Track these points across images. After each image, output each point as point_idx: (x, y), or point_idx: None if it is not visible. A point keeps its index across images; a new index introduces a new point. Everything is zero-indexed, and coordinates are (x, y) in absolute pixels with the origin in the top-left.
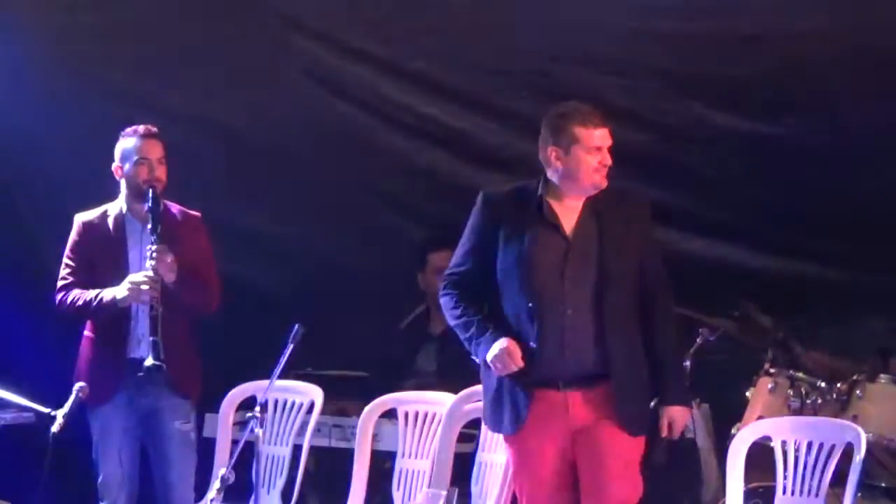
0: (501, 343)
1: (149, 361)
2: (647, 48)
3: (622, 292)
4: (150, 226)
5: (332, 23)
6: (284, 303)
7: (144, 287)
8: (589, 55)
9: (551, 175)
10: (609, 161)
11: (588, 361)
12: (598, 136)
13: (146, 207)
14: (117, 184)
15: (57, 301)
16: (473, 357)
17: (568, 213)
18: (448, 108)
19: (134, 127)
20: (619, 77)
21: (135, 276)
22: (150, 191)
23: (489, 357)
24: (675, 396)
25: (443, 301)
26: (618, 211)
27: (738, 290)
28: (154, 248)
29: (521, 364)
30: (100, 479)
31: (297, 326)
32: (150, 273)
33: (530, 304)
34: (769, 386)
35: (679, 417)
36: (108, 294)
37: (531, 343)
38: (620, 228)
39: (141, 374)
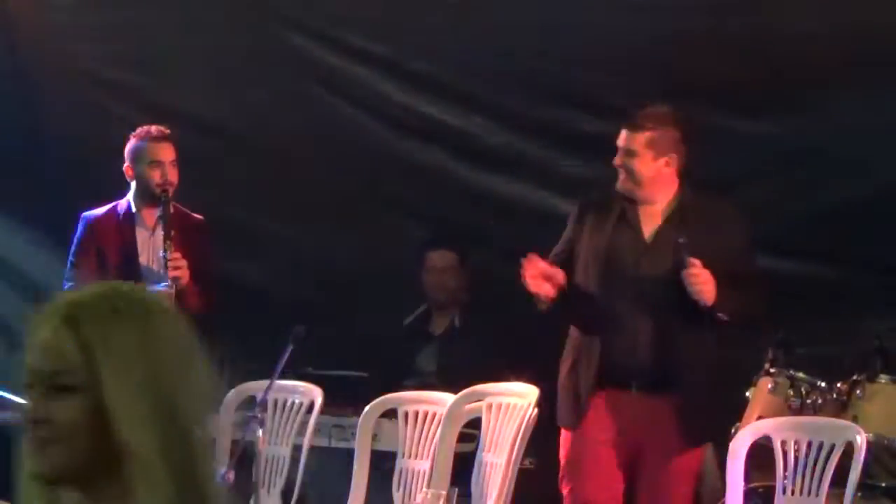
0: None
1: None
2: (646, 48)
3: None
4: (162, 231)
5: (332, 23)
6: (284, 303)
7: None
8: (589, 55)
9: None
10: (619, 162)
11: (657, 366)
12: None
13: (157, 213)
14: (118, 183)
15: None
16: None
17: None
18: (448, 108)
19: (146, 128)
20: (619, 77)
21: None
22: (163, 195)
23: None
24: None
25: None
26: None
27: None
28: (169, 255)
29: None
30: None
31: (297, 326)
32: (168, 283)
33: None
34: (769, 386)
35: (709, 286)
36: None
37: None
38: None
39: None
